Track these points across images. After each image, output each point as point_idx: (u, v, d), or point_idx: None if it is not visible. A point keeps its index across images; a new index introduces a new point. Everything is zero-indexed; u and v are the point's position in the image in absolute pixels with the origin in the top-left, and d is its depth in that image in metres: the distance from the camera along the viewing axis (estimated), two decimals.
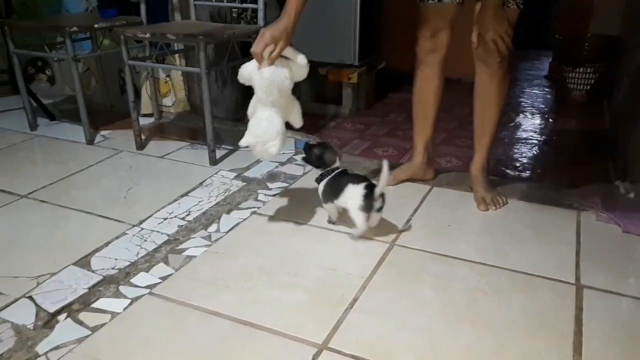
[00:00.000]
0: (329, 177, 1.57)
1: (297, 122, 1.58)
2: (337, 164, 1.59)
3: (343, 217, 1.67)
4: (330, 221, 1.64)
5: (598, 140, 2.48)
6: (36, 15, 2.90)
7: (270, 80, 1.40)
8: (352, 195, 1.48)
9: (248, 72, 1.45)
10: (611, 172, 2.05)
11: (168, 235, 1.60)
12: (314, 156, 1.59)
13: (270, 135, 1.42)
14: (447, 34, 1.71)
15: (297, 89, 2.99)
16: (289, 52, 1.45)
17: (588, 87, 3.03)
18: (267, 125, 1.42)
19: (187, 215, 1.71)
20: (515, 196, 1.81)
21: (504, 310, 1.25)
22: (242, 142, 1.46)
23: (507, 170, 2.11)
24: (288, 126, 1.53)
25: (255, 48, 1.40)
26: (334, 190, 1.55)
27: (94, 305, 1.28)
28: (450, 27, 1.70)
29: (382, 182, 1.46)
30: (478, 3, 1.57)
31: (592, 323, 1.20)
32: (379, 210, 1.50)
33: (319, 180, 1.59)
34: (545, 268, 1.40)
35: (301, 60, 1.46)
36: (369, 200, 1.46)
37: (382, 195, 1.48)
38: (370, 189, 1.46)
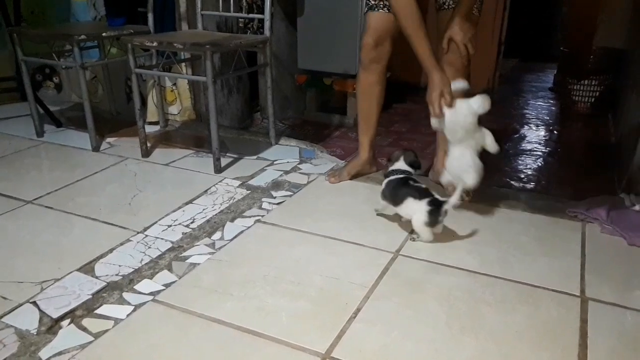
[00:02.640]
0: (391, 178, 1.65)
1: (491, 148, 1.65)
2: (400, 164, 1.66)
3: (346, 224, 1.67)
4: (377, 210, 1.74)
5: (603, 153, 2.47)
6: (45, 24, 2.93)
7: (453, 122, 1.57)
8: (417, 211, 1.54)
9: (434, 124, 1.63)
10: (616, 185, 2.04)
11: (172, 242, 1.60)
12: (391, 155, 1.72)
13: (463, 169, 1.58)
14: (390, 44, 1.82)
15: (302, 100, 3.01)
16: (460, 86, 1.62)
17: (593, 99, 3.04)
18: (458, 163, 1.60)
19: (192, 222, 1.72)
20: (519, 207, 1.80)
21: (509, 321, 1.24)
22: (443, 180, 1.70)
23: (512, 182, 2.11)
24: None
25: (433, 113, 1.61)
26: (393, 196, 1.62)
27: (98, 311, 1.28)
28: (392, 38, 1.80)
29: (453, 202, 1.50)
30: (441, 12, 1.73)
31: (597, 336, 1.19)
32: (441, 221, 1.56)
33: (385, 175, 1.69)
34: (550, 280, 1.40)
35: (479, 98, 1.58)
36: (435, 217, 1.52)
37: (446, 211, 1.53)
38: (435, 205, 1.51)
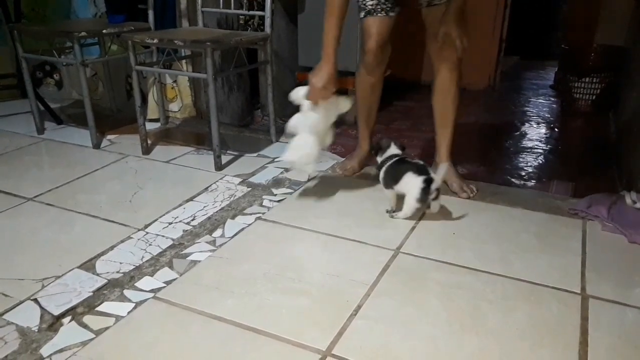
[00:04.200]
0: (388, 164, 1.71)
1: (328, 143, 1.84)
2: (394, 150, 1.74)
3: (346, 221, 1.67)
4: (389, 211, 1.73)
5: (604, 150, 2.47)
6: (45, 20, 2.93)
7: (321, 118, 1.69)
8: (412, 186, 1.62)
9: (298, 97, 1.71)
10: (617, 182, 2.04)
11: (173, 239, 1.60)
12: (372, 147, 1.79)
13: (308, 160, 1.70)
14: (390, 45, 1.85)
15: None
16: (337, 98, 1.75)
17: (594, 97, 3.03)
18: (308, 152, 1.69)
19: (192, 220, 1.72)
20: (520, 205, 1.80)
21: (509, 319, 1.24)
22: (285, 158, 1.71)
23: (513, 179, 2.11)
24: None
25: (311, 98, 1.67)
26: (393, 177, 1.68)
27: (99, 308, 1.28)
28: (391, 39, 1.84)
29: (439, 177, 1.61)
30: (432, 7, 1.74)
31: (598, 333, 1.19)
32: (435, 198, 1.64)
33: (379, 167, 1.75)
34: (551, 277, 1.40)
35: (345, 101, 1.77)
36: (426, 194, 1.61)
37: (438, 189, 1.62)
38: (428, 183, 1.60)
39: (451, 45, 1.70)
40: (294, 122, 1.71)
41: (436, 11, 1.73)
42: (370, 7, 1.76)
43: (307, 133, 1.69)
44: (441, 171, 1.65)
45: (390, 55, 1.87)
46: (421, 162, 1.68)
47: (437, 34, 1.70)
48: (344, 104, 1.77)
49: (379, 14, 1.77)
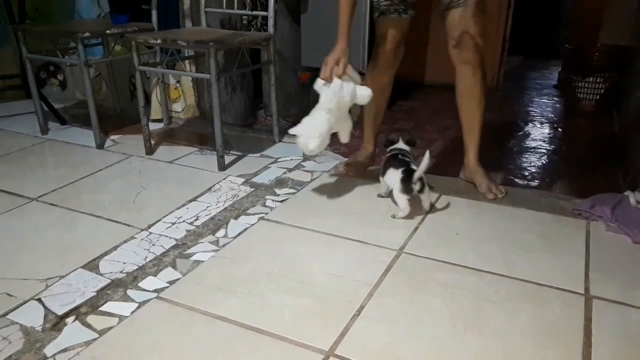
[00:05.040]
0: (386, 155, 1.79)
1: (345, 138, 1.80)
2: (400, 144, 1.80)
3: (349, 221, 1.67)
4: (379, 194, 1.84)
5: (607, 150, 2.46)
6: (49, 21, 2.94)
7: (334, 91, 1.64)
8: (393, 179, 1.68)
9: (319, 86, 1.69)
10: (621, 182, 2.03)
11: (176, 239, 1.60)
12: (386, 140, 1.83)
13: (313, 133, 1.63)
14: (404, 47, 1.89)
15: (306, 96, 3.01)
16: (351, 73, 1.70)
17: (597, 96, 3.02)
18: (315, 124, 1.64)
19: (195, 220, 1.72)
20: (524, 205, 1.80)
21: (513, 319, 1.24)
22: (291, 130, 1.68)
23: (516, 179, 2.10)
24: None
25: (322, 74, 1.67)
26: (383, 169, 1.76)
27: (102, 308, 1.29)
28: (405, 41, 1.87)
29: (422, 168, 1.62)
30: (450, 10, 1.72)
31: (601, 334, 1.19)
32: (421, 191, 1.65)
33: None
34: (554, 278, 1.39)
35: (363, 90, 1.70)
36: (407, 184, 1.63)
37: (421, 179, 1.64)
38: (407, 173, 1.64)
39: (471, 45, 1.71)
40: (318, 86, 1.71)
41: (454, 14, 1.73)
42: (383, 7, 1.80)
43: (318, 110, 1.67)
44: (424, 162, 1.62)
45: (413, 54, 1.89)
46: (407, 159, 1.71)
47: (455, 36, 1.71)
48: (361, 93, 1.71)
49: (392, 15, 1.80)
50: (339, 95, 1.64)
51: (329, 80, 1.66)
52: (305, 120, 1.67)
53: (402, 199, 1.67)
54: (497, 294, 1.33)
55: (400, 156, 1.74)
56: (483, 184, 1.88)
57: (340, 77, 1.66)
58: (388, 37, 1.83)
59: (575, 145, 2.57)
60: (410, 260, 1.49)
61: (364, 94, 1.70)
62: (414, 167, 1.66)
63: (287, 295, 1.33)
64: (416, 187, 1.64)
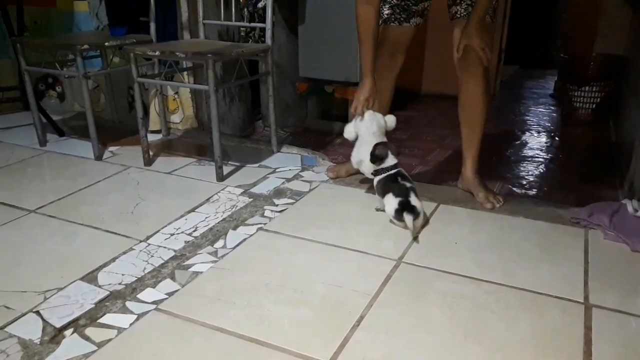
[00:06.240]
0: (383, 176, 1.77)
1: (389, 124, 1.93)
2: (392, 161, 1.78)
3: (348, 231, 1.67)
4: (377, 209, 1.83)
5: (604, 159, 2.47)
6: (48, 33, 2.95)
7: (370, 118, 1.83)
8: (390, 206, 1.69)
9: (352, 126, 1.88)
10: (618, 190, 2.04)
11: (175, 251, 1.60)
12: (373, 157, 1.79)
13: (360, 159, 1.86)
14: (403, 55, 1.96)
15: (303, 106, 3.02)
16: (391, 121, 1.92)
17: (594, 105, 3.04)
18: (361, 155, 1.84)
19: (194, 231, 1.72)
20: (522, 214, 1.80)
21: (512, 329, 1.24)
22: (353, 157, 1.89)
23: (514, 189, 2.11)
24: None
25: (354, 109, 1.83)
26: (382, 191, 1.75)
27: (101, 320, 1.28)
28: (406, 49, 1.95)
29: (416, 228, 1.65)
30: (454, 21, 1.77)
31: (601, 342, 1.19)
32: (415, 219, 1.65)
33: (374, 174, 1.80)
34: (554, 287, 1.39)
35: (390, 117, 1.91)
36: (399, 215, 1.66)
37: (415, 211, 1.66)
38: (402, 206, 1.65)
39: (474, 58, 1.72)
40: (350, 127, 1.89)
41: (457, 25, 1.75)
42: (385, 16, 1.88)
43: (364, 138, 1.84)
44: (416, 203, 1.67)
45: (410, 65, 1.91)
46: (408, 185, 1.71)
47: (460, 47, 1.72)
48: (390, 120, 1.89)
49: (392, 24, 1.88)
50: (377, 119, 1.83)
51: (361, 114, 1.82)
52: (360, 149, 1.85)
53: (394, 222, 1.70)
54: (497, 303, 1.33)
55: (400, 179, 1.73)
56: (481, 193, 1.88)
57: (369, 112, 1.83)
58: (385, 43, 1.90)
59: (573, 154, 2.58)
60: (409, 270, 1.49)
61: (391, 119, 1.89)
62: (413, 202, 1.66)
63: (287, 306, 1.33)
64: (409, 217, 1.64)
